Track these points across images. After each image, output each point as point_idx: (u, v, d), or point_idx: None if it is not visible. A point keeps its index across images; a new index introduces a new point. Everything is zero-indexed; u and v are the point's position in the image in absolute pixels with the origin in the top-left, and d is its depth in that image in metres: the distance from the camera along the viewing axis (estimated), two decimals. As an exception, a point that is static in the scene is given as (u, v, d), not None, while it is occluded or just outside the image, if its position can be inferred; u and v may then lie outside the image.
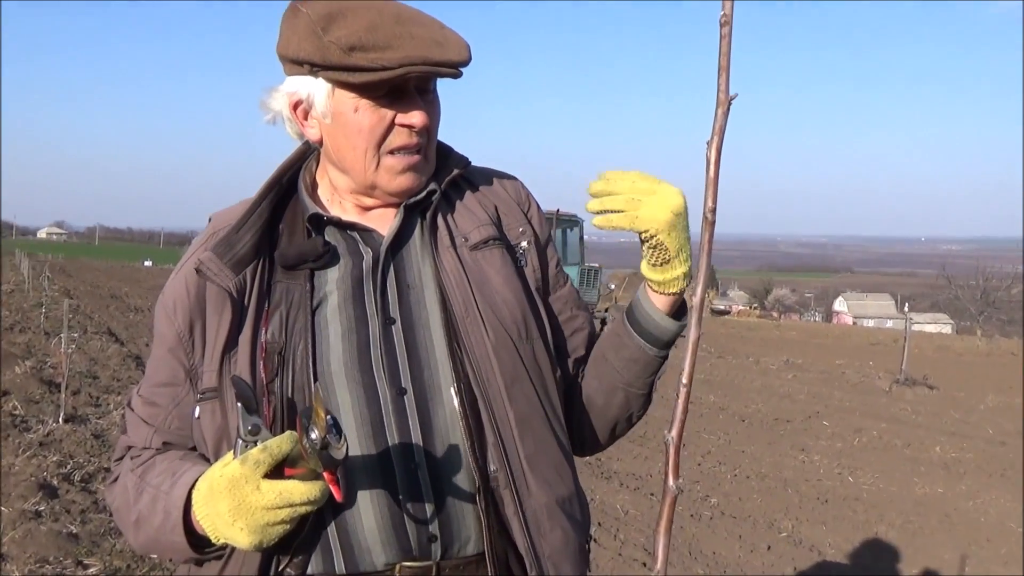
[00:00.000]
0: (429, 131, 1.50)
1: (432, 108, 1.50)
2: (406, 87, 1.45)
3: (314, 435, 1.19)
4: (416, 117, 1.45)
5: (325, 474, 1.23)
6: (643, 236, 1.42)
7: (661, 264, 1.44)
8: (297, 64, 1.44)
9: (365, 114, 1.45)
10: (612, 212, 1.41)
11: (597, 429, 1.63)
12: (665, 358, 1.54)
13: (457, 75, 1.45)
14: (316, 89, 1.47)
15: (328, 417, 1.20)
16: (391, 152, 1.47)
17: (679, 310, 1.51)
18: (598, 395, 1.59)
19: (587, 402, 1.61)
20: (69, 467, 6.78)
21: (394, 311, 1.48)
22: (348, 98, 1.44)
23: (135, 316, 21.90)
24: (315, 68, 1.42)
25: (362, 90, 1.43)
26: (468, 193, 1.61)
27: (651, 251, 1.42)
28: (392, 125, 1.46)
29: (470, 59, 1.45)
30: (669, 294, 1.47)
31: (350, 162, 1.49)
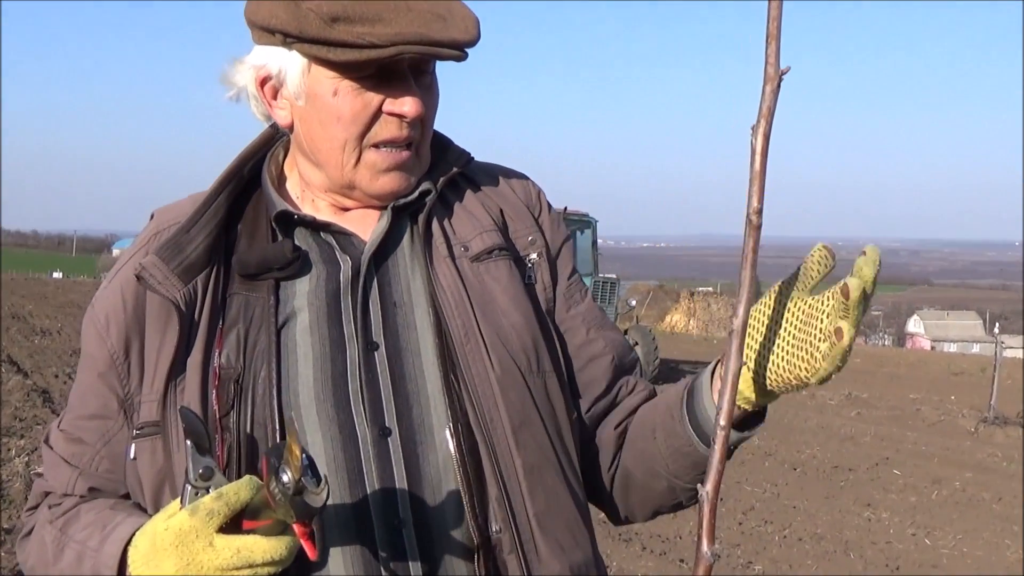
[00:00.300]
0: (423, 122, 1.49)
1: (428, 95, 1.49)
2: (398, 68, 1.43)
3: (286, 478, 1.15)
4: (408, 105, 1.44)
5: (296, 526, 1.21)
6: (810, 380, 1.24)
7: (778, 392, 1.30)
8: (268, 32, 1.42)
9: (346, 98, 1.43)
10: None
11: (636, 504, 1.59)
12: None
13: (462, 57, 1.44)
14: (289, 64, 1.45)
15: (304, 456, 1.17)
16: (375, 146, 1.46)
17: (755, 416, 1.38)
18: (639, 472, 1.53)
19: (626, 475, 1.57)
20: (-40, 527, 6.76)
21: (377, 334, 1.46)
22: (327, 78, 1.43)
23: (41, 340, 21.78)
24: (289, 39, 1.41)
25: (344, 69, 1.42)
26: (469, 194, 1.60)
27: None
28: (378, 113, 1.44)
29: (478, 37, 1.44)
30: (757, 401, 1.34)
31: (325, 155, 1.48)
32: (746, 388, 1.30)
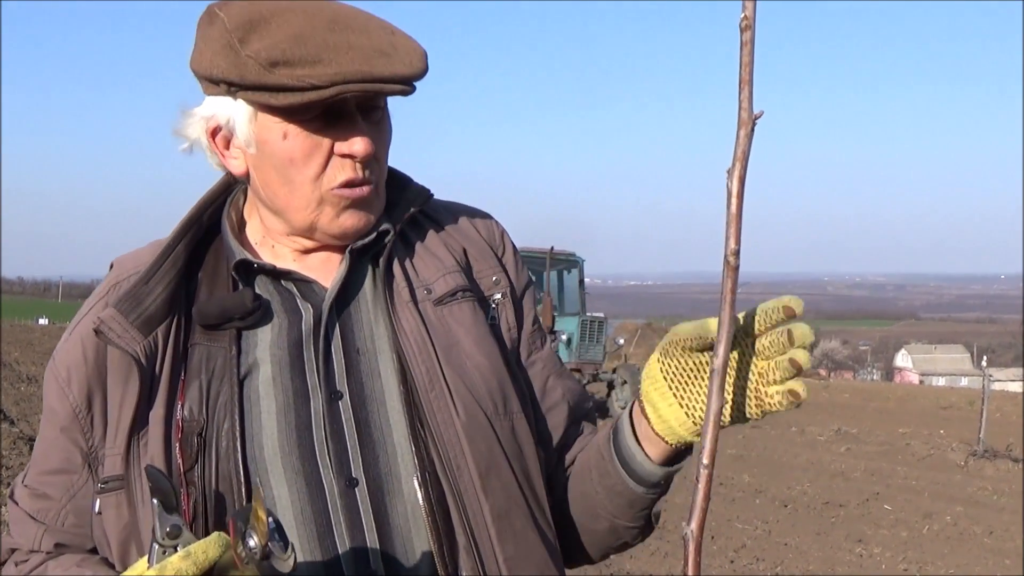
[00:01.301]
0: (377, 159, 1.47)
1: (379, 131, 1.47)
2: (345, 108, 1.42)
3: (252, 543, 1.15)
4: (358, 145, 1.42)
5: None
6: (767, 411, 1.28)
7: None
8: (213, 83, 1.41)
9: (296, 140, 1.41)
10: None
11: (586, 544, 1.59)
12: (661, 494, 1.47)
13: (407, 91, 1.42)
14: (236, 113, 1.44)
15: (270, 520, 1.16)
16: (331, 189, 1.44)
17: (674, 455, 1.41)
18: (582, 516, 1.55)
19: (572, 515, 1.57)
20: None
21: (341, 383, 1.45)
22: (273, 123, 1.41)
23: (28, 387, 21.66)
24: (232, 88, 1.39)
25: (289, 114, 1.40)
26: (431, 233, 1.59)
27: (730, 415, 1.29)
28: (330, 155, 1.43)
29: (425, 70, 1.42)
30: (669, 443, 1.38)
31: (283, 200, 1.47)
32: (680, 428, 1.34)
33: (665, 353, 1.33)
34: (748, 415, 1.29)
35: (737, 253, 1.21)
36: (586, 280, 22.85)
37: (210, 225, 1.55)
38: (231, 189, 1.59)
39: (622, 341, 28.55)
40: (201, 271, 1.51)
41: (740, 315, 1.26)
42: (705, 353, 1.31)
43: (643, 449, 1.41)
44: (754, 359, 1.27)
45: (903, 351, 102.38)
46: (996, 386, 21.51)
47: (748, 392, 1.29)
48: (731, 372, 1.29)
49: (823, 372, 71.76)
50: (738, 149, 1.21)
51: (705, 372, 1.31)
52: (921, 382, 66.69)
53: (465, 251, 1.59)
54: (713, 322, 1.25)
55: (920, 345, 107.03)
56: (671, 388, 1.33)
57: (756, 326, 1.26)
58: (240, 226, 1.56)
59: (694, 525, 1.23)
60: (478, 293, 1.56)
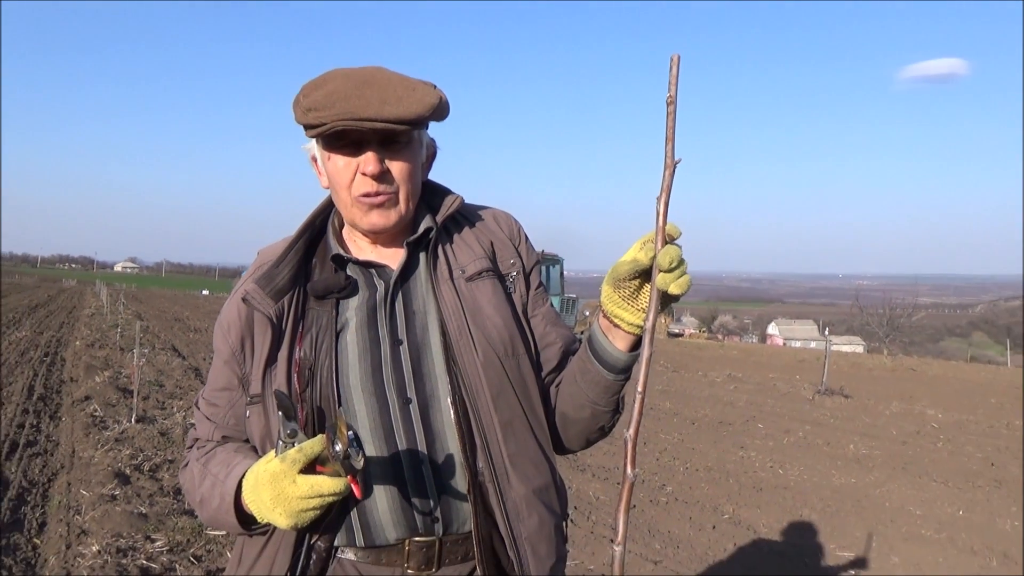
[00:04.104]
0: (397, 175, 1.42)
1: (397, 156, 1.41)
2: (363, 140, 1.39)
3: (338, 448, 1.21)
4: (369, 164, 1.38)
5: (348, 477, 1.24)
6: (673, 295, 1.26)
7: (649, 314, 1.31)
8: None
9: (335, 163, 1.41)
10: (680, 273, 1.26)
11: (573, 436, 1.57)
12: (626, 379, 1.45)
13: (395, 129, 1.35)
14: (314, 147, 1.47)
15: (350, 433, 1.22)
16: (359, 198, 1.42)
17: (636, 342, 1.41)
18: (570, 410, 1.52)
19: (562, 415, 1.54)
20: (140, 459, 6.73)
21: (402, 334, 1.45)
22: (326, 153, 1.42)
23: (194, 335, 21.72)
24: (304, 129, 1.41)
25: (327, 145, 1.40)
26: (467, 228, 1.56)
27: (658, 306, 1.27)
28: (356, 173, 1.41)
29: (422, 114, 1.35)
30: (634, 334, 1.38)
31: (338, 203, 1.47)
32: (635, 319, 1.36)
33: (612, 284, 1.35)
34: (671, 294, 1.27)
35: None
36: (565, 272, 22.84)
37: (320, 228, 1.56)
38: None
39: (588, 313, 28.42)
40: (315, 259, 1.52)
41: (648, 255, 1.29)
42: (635, 280, 1.33)
43: (613, 342, 1.41)
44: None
45: (773, 323, 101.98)
46: (834, 348, 21.51)
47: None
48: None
49: (720, 337, 71.49)
50: (664, 184, 1.22)
51: (639, 291, 1.34)
52: (784, 344, 66.46)
53: (492, 243, 1.57)
54: (639, 258, 1.29)
55: (784, 320, 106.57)
56: (625, 302, 1.35)
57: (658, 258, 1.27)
58: (341, 227, 1.56)
59: (631, 431, 1.25)
60: (498, 272, 1.55)
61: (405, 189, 1.45)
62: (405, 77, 1.40)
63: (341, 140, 1.39)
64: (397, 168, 1.42)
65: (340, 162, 1.41)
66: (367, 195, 1.41)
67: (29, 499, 5.80)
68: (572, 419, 1.53)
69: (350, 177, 1.41)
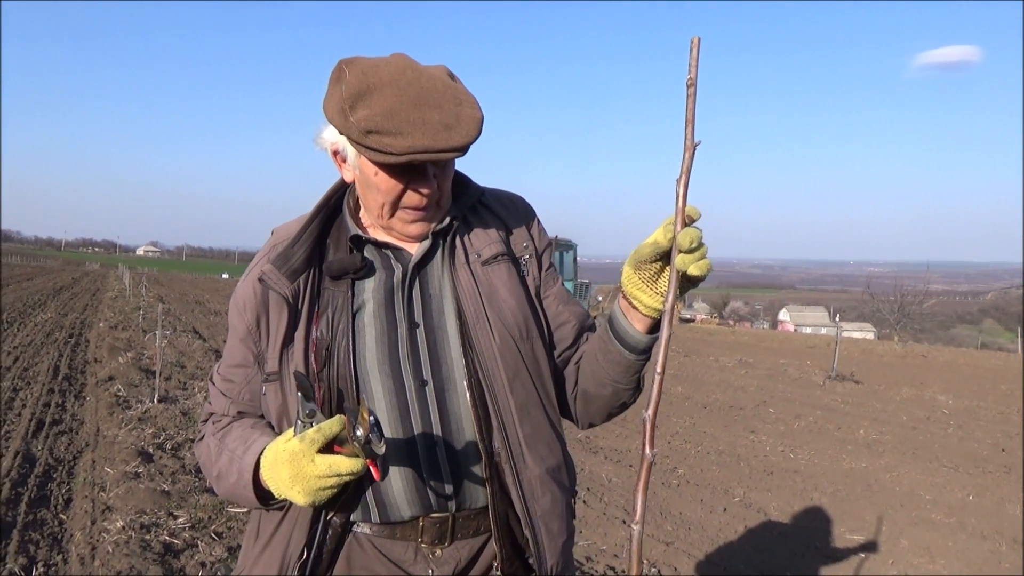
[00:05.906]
0: (441, 189, 1.43)
1: (447, 171, 1.42)
2: (418, 165, 1.37)
3: (359, 432, 1.20)
4: (426, 189, 1.39)
5: (368, 461, 1.24)
6: (692, 277, 1.25)
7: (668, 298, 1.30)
8: (331, 125, 1.38)
9: (382, 180, 1.39)
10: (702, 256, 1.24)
11: (595, 411, 1.56)
12: (646, 359, 1.44)
13: (461, 155, 1.35)
14: (347, 147, 1.43)
15: (371, 418, 1.22)
16: (404, 208, 1.42)
17: (654, 325, 1.40)
18: (592, 387, 1.52)
19: (584, 392, 1.54)
20: (162, 438, 6.81)
21: (419, 317, 1.44)
22: (368, 165, 1.39)
23: (214, 318, 21.85)
24: (342, 134, 1.37)
25: (377, 165, 1.38)
26: (484, 215, 1.55)
27: (677, 288, 1.25)
28: (405, 190, 1.39)
29: (477, 136, 1.33)
30: (652, 317, 1.38)
31: (369, 207, 1.46)
32: (655, 303, 1.35)
33: (634, 266, 1.33)
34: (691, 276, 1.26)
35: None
36: (578, 258, 22.80)
37: (335, 207, 1.54)
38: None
39: (601, 298, 28.45)
40: (329, 238, 1.51)
41: (668, 237, 1.27)
42: (656, 263, 1.32)
43: (632, 324, 1.41)
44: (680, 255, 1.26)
45: (784, 309, 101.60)
46: (844, 334, 21.38)
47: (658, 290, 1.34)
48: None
49: (731, 322, 71.35)
50: (683, 166, 1.20)
51: (660, 274, 1.34)
52: (795, 330, 66.25)
53: (507, 227, 1.57)
54: (660, 240, 1.27)
55: (795, 306, 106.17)
56: (645, 284, 1.34)
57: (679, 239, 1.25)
58: (357, 208, 1.54)
59: (650, 411, 1.24)
60: (512, 255, 1.54)
61: (446, 198, 1.46)
62: (444, 80, 1.35)
63: (392, 166, 1.36)
64: (443, 181, 1.43)
65: (388, 181, 1.39)
66: (416, 208, 1.42)
67: (55, 476, 5.87)
68: (594, 396, 1.53)
69: (399, 192, 1.40)
